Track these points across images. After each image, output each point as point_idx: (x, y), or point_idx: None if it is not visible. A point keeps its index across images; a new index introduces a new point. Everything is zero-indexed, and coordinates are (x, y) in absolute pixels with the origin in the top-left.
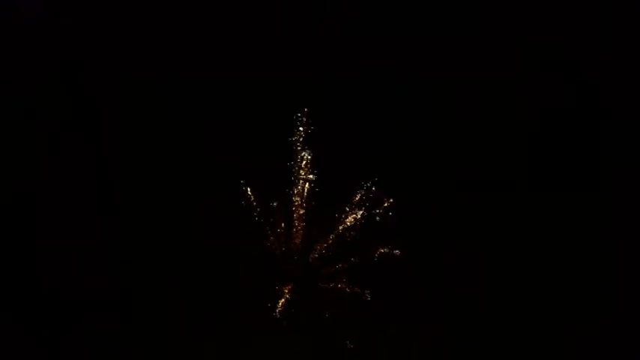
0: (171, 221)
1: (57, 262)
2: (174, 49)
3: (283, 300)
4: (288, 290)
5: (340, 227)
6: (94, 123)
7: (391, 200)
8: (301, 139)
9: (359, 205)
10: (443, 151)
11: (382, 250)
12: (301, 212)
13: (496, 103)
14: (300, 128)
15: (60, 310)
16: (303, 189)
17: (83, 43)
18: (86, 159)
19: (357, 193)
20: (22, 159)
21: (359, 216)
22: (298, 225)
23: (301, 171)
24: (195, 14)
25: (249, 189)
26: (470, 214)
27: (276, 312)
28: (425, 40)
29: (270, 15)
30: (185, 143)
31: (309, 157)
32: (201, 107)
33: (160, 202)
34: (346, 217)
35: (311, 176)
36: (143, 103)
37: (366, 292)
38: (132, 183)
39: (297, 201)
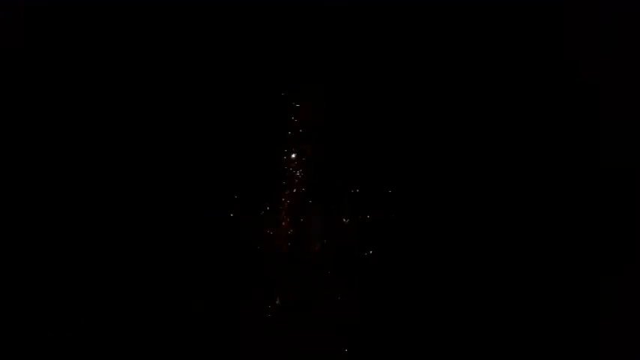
0: (164, 224)
1: (56, 262)
2: (172, 48)
3: (274, 304)
4: (280, 293)
5: (334, 228)
6: (93, 123)
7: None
8: (294, 138)
9: (353, 206)
10: (442, 152)
11: (377, 251)
12: (290, 218)
13: (495, 103)
14: (290, 130)
15: (60, 310)
16: (294, 189)
17: (81, 39)
18: (85, 158)
19: (351, 194)
20: (21, 159)
21: (352, 219)
22: (288, 227)
23: (292, 171)
24: (193, 14)
25: (235, 196)
26: (469, 214)
27: (268, 315)
28: (423, 38)
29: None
30: (180, 143)
31: (302, 159)
32: (198, 107)
33: (153, 204)
34: (340, 219)
35: (299, 174)
36: (140, 102)
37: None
38: (122, 185)
39: (286, 202)
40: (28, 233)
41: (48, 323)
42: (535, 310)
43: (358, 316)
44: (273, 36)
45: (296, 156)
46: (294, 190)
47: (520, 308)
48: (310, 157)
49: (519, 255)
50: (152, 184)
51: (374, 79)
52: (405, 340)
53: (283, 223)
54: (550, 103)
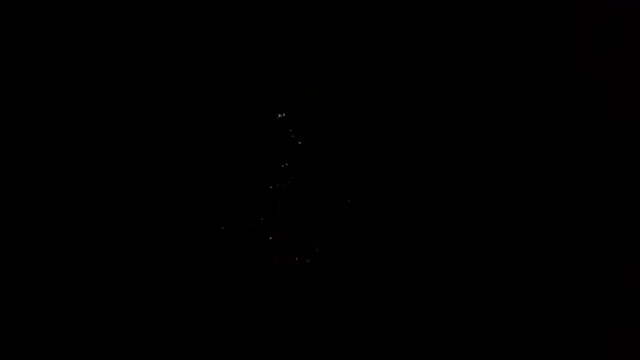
0: (164, 224)
1: (56, 262)
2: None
3: (274, 304)
4: (280, 293)
5: (334, 229)
6: (93, 123)
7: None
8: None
9: (353, 207)
10: (442, 151)
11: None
12: (290, 218)
13: (495, 103)
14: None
15: (60, 310)
16: (293, 189)
17: (81, 39)
18: (85, 158)
19: (351, 195)
20: (21, 159)
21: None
22: (288, 227)
23: (292, 171)
24: (193, 14)
25: (235, 196)
26: (469, 214)
27: (268, 315)
28: (423, 38)
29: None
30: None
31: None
32: (197, 107)
33: (149, 207)
34: (340, 219)
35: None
36: (139, 103)
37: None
38: (122, 185)
39: (286, 203)
40: (28, 233)
41: (48, 323)
42: (535, 310)
43: (358, 316)
44: (273, 36)
45: (296, 156)
46: (294, 191)
47: (520, 308)
48: (310, 156)
49: (519, 255)
50: (152, 184)
51: (374, 79)
52: (405, 340)
53: (283, 224)
54: (550, 103)
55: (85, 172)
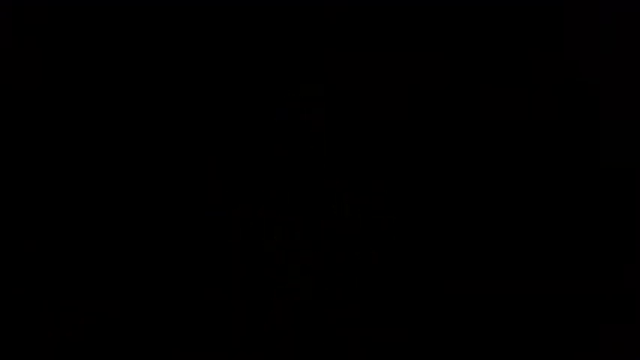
0: (164, 224)
1: (56, 262)
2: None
3: (274, 305)
4: (280, 294)
5: (334, 229)
6: (93, 122)
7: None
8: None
9: (353, 207)
10: (442, 152)
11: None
12: (289, 218)
13: (495, 103)
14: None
15: (60, 310)
16: (293, 189)
17: (81, 39)
18: (85, 158)
19: (351, 194)
20: (21, 159)
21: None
22: (288, 227)
23: (291, 170)
24: (193, 14)
25: (235, 196)
26: (469, 214)
27: (268, 315)
28: (423, 38)
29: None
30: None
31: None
32: (197, 107)
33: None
34: (339, 219)
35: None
36: (139, 103)
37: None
38: (122, 184)
39: (286, 202)
40: (28, 233)
41: (48, 323)
42: (535, 310)
43: (358, 316)
44: (273, 36)
45: (296, 156)
46: (294, 191)
47: (520, 308)
48: (310, 157)
49: (519, 255)
50: (152, 184)
51: (374, 79)
52: (405, 340)
53: (283, 224)
54: (550, 103)
55: (84, 172)
